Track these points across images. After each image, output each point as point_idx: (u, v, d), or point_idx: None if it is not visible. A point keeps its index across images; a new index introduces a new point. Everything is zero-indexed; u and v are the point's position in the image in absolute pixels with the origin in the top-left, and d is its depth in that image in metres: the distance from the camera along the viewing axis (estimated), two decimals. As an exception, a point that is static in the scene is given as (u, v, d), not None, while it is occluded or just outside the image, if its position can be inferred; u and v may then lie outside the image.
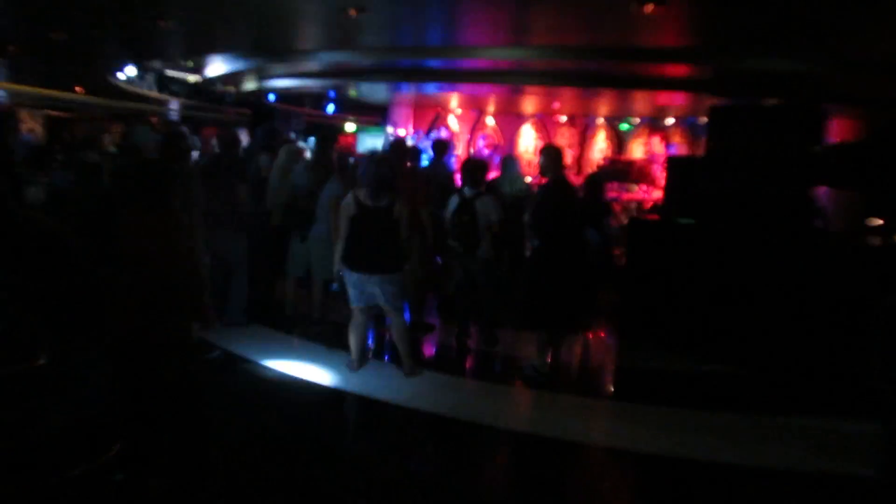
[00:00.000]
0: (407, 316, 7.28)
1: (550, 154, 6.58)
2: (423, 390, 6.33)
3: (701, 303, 7.56)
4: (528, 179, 10.48)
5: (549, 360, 6.83)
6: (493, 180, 8.71)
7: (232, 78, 14.31)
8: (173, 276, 4.10)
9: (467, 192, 7.17)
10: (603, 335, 8.51)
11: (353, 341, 6.56)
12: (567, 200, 6.54)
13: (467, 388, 6.58)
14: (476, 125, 17.16)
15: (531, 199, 7.85)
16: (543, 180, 6.73)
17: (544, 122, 17.17)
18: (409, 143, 12.06)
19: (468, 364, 7.28)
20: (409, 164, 7.86)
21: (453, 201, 7.28)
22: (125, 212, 4.23)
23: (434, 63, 11.16)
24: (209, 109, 19.76)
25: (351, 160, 8.24)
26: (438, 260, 8.38)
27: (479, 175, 7.25)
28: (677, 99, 12.80)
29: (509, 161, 9.07)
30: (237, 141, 7.66)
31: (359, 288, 6.27)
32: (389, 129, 15.09)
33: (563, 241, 6.50)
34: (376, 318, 7.12)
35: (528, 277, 6.70)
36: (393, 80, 12.30)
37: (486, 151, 16.08)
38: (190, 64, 13.87)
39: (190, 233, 4.52)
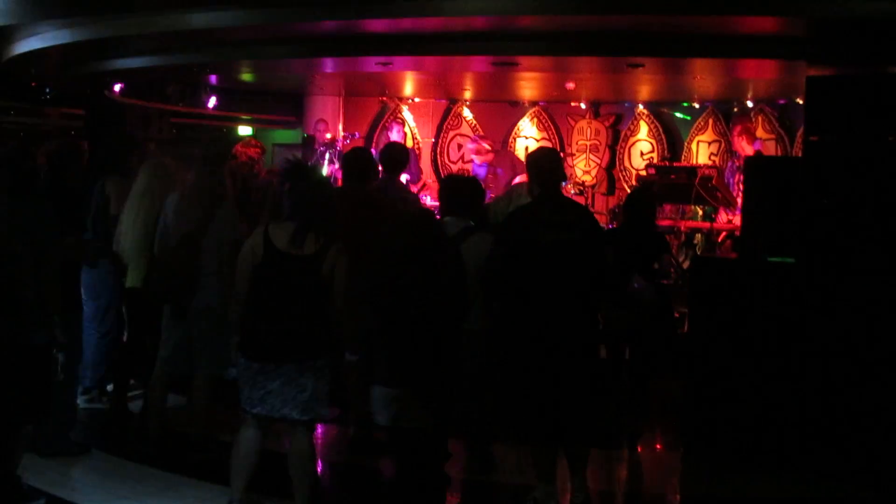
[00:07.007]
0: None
1: (537, 160, 6.04)
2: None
3: (813, 390, 6.87)
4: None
5: (576, 490, 6.01)
6: (487, 207, 7.86)
7: (51, 58, 12.01)
8: None
9: (450, 226, 6.51)
10: (659, 447, 7.97)
11: (235, 469, 5.49)
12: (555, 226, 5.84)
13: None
14: (447, 121, 15.24)
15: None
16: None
17: (552, 113, 15.11)
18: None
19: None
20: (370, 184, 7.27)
21: None
22: None
23: (374, 23, 9.36)
24: (18, 111, 18.13)
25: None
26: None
27: (466, 199, 6.67)
28: (756, 69, 11.15)
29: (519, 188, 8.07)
30: (78, 154, 6.95)
31: (257, 385, 5.39)
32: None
33: (561, 299, 5.70)
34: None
35: (505, 361, 6.05)
36: (308, 53, 10.47)
37: (477, 166, 13.73)
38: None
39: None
